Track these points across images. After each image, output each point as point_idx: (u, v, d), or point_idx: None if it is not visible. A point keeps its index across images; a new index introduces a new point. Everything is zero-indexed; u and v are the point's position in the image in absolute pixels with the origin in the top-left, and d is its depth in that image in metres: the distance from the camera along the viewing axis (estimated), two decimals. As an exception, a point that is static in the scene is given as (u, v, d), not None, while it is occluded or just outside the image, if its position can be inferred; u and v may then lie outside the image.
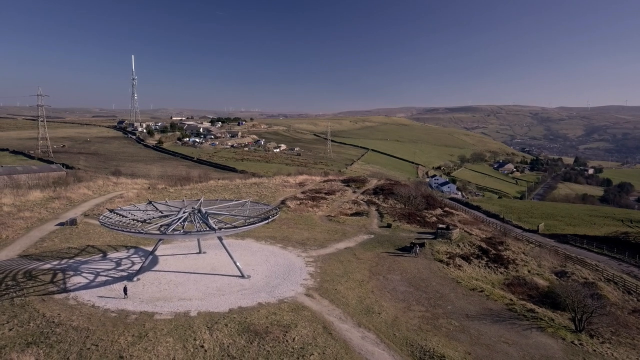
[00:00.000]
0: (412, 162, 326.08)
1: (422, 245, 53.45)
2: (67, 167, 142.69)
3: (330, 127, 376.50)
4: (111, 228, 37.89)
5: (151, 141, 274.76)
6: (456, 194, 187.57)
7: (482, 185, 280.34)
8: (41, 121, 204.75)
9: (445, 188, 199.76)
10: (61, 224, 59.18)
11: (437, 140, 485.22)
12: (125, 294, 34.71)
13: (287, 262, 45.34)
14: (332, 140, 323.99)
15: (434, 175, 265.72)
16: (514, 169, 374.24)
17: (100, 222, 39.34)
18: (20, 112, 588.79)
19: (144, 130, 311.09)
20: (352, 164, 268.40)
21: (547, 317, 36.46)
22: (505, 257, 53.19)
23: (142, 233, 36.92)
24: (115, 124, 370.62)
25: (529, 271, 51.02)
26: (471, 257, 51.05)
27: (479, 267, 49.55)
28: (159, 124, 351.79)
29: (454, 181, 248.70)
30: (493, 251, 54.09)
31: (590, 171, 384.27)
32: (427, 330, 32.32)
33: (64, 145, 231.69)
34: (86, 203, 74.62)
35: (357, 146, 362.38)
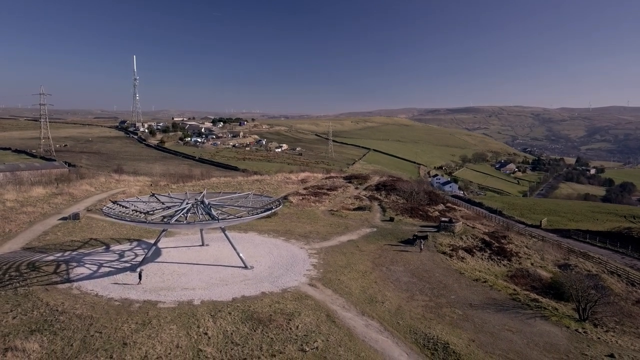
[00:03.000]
0: (414, 162, 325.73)
1: (425, 238, 53.39)
2: (70, 165, 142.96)
3: (332, 127, 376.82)
4: (114, 218, 37.93)
5: (153, 141, 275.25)
6: (458, 193, 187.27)
7: (484, 185, 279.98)
8: (43, 120, 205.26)
9: (447, 187, 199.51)
10: (64, 219, 59.21)
11: (438, 140, 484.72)
12: (140, 279, 35.36)
13: (290, 254, 45.36)
14: (333, 141, 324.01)
15: (436, 175, 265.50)
16: (516, 169, 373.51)
17: (103, 212, 39.41)
18: (22, 113, 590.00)
19: (146, 130, 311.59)
20: (354, 163, 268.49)
21: (551, 306, 36.38)
22: (508, 250, 53.09)
23: (145, 222, 36.97)
24: (117, 124, 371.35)
25: (532, 264, 50.90)
26: (474, 250, 51.00)
27: (482, 259, 49.49)
28: (161, 124, 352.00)
29: (455, 181, 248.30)
30: (496, 244, 53.98)
31: (592, 171, 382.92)
32: (430, 319, 32.27)
33: (66, 145, 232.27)
34: (89, 199, 74.75)
35: (359, 146, 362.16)
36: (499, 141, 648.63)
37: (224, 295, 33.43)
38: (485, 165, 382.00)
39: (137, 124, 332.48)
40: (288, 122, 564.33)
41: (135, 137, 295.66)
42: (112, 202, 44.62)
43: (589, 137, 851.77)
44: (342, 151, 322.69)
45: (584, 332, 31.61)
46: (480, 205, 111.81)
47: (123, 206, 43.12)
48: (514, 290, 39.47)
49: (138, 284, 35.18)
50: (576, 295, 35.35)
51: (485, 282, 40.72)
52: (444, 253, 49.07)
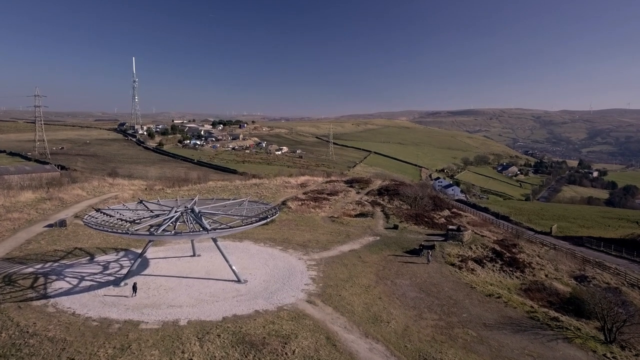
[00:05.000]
0: (415, 165, 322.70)
1: (432, 247, 50.19)
2: (63, 168, 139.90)
3: (332, 129, 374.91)
4: (95, 228, 34.84)
5: (151, 143, 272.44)
6: (461, 196, 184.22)
7: (486, 187, 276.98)
8: (39, 123, 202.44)
9: (449, 190, 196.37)
10: (50, 226, 56.27)
11: (440, 143, 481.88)
12: (135, 291, 33.26)
13: (288, 266, 42.26)
14: (334, 143, 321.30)
15: (438, 178, 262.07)
16: (518, 172, 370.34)
17: (84, 222, 36.33)
18: (22, 115, 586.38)
19: (145, 133, 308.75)
20: (355, 166, 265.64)
21: (573, 326, 33.11)
22: (520, 260, 49.75)
23: (128, 234, 33.82)
24: (116, 126, 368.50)
25: (546, 275, 47.62)
26: (484, 261, 47.69)
27: (493, 271, 46.20)
28: (160, 127, 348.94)
29: (457, 183, 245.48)
30: (507, 254, 50.63)
31: (595, 174, 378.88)
32: (441, 342, 29.12)
33: (62, 147, 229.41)
34: (79, 204, 71.74)
35: (360, 149, 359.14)
36: (500, 143, 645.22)
37: (213, 314, 30.47)
38: (487, 168, 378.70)
39: (136, 127, 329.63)
40: (288, 124, 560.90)
41: (134, 139, 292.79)
42: (95, 209, 41.51)
43: (590, 140, 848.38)
44: (342, 154, 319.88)
45: (613, 357, 28.40)
46: (486, 210, 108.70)
47: (108, 214, 40.06)
48: (531, 307, 36.20)
49: (133, 296, 33.03)
50: (601, 314, 32.10)
51: (499, 297, 37.52)
52: (452, 264, 45.81)
